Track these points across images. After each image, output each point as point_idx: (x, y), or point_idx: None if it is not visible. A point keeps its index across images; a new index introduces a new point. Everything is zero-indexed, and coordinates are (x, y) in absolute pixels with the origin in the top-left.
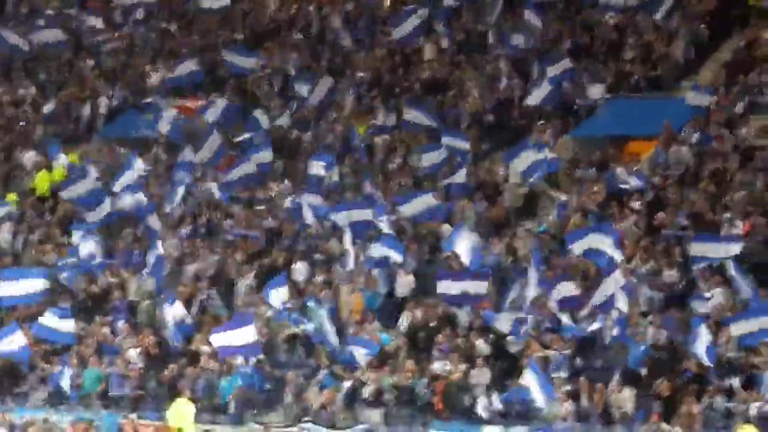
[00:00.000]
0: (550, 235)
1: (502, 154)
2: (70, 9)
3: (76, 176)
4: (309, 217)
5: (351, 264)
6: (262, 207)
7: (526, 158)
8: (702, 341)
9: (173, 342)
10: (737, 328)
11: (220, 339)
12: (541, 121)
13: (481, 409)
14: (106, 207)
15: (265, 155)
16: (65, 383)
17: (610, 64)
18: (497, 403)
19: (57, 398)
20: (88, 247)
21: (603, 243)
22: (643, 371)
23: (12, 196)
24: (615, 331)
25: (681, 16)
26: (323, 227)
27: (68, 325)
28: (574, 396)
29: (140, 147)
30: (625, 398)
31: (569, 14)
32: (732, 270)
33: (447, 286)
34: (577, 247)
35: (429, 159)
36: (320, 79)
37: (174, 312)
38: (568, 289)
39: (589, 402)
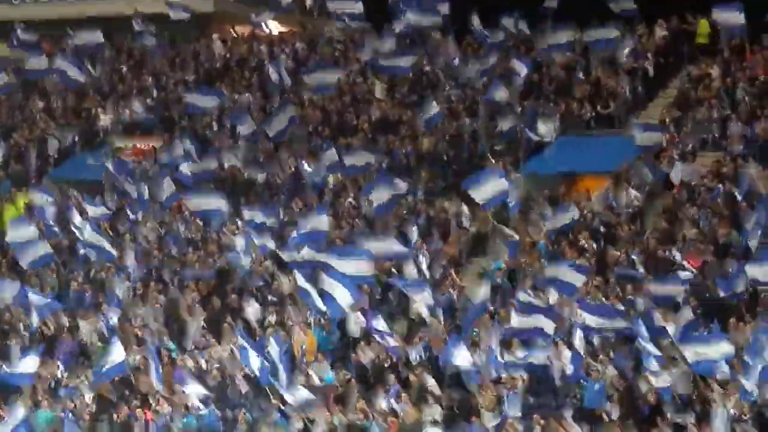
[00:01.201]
0: (504, 273)
1: (463, 183)
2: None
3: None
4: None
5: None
6: (214, 247)
7: (491, 186)
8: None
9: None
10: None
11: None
12: (493, 160)
13: None
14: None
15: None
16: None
17: (560, 102)
18: None
19: None
20: None
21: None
22: (598, 409)
23: None
24: (569, 369)
25: (630, 54)
26: (272, 266)
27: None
28: None
29: (91, 190)
30: None
31: (519, 53)
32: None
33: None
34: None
35: (378, 198)
36: (280, 114)
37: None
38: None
39: None
